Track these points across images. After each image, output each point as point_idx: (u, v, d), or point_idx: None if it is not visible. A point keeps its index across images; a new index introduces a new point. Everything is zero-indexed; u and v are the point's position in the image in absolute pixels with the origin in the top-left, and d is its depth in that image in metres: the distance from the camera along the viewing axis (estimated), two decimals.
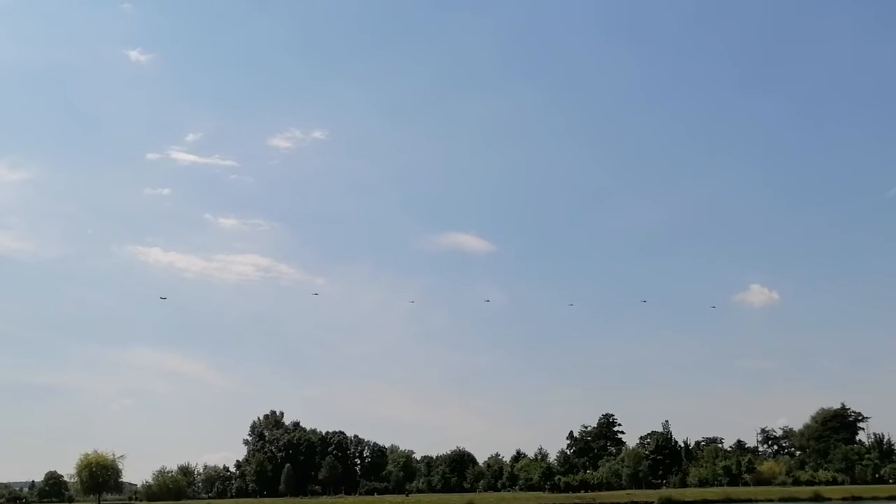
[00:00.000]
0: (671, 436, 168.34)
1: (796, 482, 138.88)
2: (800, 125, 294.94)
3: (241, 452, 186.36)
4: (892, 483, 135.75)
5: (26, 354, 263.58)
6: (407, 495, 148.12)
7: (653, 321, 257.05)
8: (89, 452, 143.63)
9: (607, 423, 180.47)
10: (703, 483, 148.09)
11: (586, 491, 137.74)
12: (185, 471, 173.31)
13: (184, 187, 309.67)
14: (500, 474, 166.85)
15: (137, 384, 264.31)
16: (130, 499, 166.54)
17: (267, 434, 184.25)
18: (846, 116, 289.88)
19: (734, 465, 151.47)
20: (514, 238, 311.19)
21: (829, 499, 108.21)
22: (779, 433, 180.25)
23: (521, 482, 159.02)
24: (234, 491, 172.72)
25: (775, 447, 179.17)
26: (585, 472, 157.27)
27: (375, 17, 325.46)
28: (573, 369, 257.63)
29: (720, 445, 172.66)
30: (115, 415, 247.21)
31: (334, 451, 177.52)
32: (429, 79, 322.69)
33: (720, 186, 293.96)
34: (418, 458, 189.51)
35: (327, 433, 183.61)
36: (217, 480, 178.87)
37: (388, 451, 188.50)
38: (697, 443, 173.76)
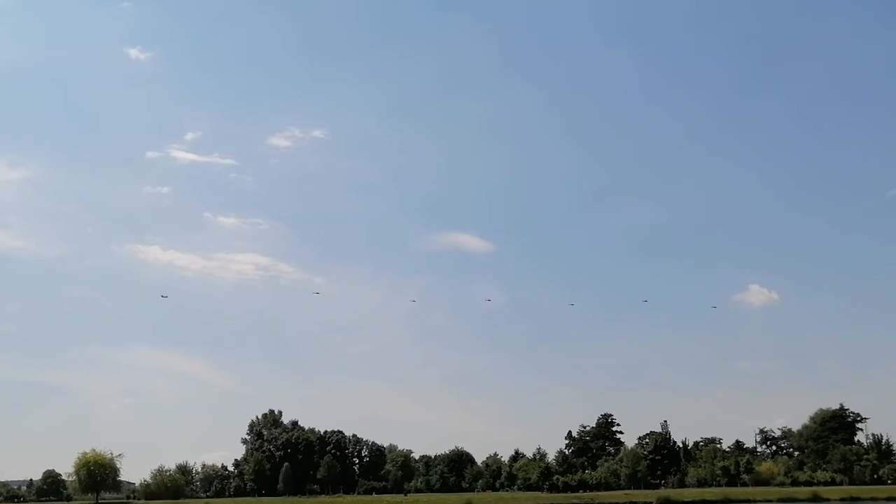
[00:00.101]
0: (670, 436, 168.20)
1: (795, 483, 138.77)
2: (799, 125, 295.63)
3: (240, 451, 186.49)
4: (890, 484, 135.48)
5: (26, 353, 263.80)
6: (405, 495, 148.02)
7: (652, 321, 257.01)
8: (87, 451, 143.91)
9: (606, 423, 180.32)
10: (701, 483, 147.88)
11: (585, 491, 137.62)
12: (184, 470, 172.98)
13: (183, 186, 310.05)
14: (499, 474, 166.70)
15: (137, 383, 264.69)
16: (128, 497, 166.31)
17: (265, 433, 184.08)
18: (846, 117, 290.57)
19: (733, 465, 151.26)
20: (514, 238, 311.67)
21: (828, 499, 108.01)
22: (777, 434, 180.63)
23: (519, 482, 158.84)
24: (232, 490, 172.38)
25: (774, 448, 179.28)
26: (584, 472, 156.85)
27: (375, 17, 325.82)
28: (572, 369, 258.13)
29: (719, 446, 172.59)
30: (114, 414, 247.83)
31: (333, 451, 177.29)
32: (429, 79, 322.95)
33: (720, 186, 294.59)
34: (417, 458, 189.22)
35: (326, 432, 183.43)
36: (215, 479, 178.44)
37: (386, 451, 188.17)
38: (696, 443, 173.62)
